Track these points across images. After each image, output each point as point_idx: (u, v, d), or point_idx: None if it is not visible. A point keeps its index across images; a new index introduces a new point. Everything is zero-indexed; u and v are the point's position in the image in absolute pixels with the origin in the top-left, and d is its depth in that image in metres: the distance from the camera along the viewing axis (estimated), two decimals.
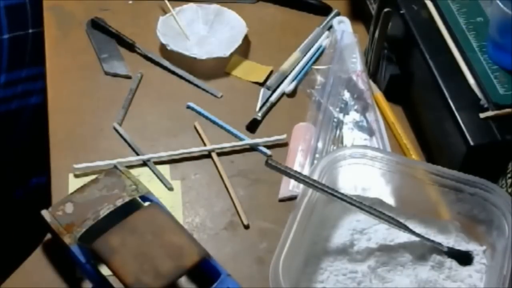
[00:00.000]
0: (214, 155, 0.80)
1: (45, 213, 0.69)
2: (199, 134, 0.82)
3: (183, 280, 0.69)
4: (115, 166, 0.73)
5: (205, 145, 0.81)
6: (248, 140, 0.81)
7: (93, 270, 0.66)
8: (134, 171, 0.76)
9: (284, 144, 0.81)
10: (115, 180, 0.71)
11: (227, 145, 0.81)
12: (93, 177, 0.73)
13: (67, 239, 0.66)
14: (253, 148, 0.81)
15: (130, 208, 0.68)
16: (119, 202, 0.69)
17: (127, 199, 0.69)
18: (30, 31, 0.99)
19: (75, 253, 0.66)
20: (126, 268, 0.62)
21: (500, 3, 0.72)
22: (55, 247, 0.69)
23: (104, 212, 0.68)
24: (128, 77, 0.89)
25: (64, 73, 0.89)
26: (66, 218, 0.68)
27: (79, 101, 0.86)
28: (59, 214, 0.68)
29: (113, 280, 0.64)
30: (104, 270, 0.66)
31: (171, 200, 0.75)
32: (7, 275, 0.70)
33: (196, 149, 0.80)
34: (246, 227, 0.74)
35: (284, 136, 0.82)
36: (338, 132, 0.83)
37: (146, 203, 0.70)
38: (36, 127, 0.92)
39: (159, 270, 0.62)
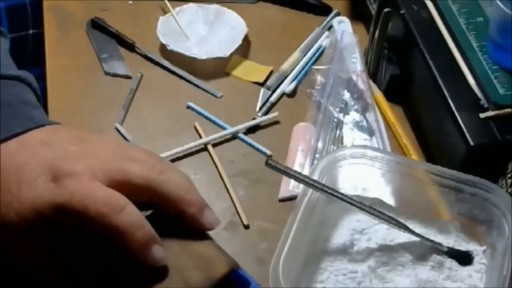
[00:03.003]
0: (211, 149, 0.80)
1: None
2: (199, 134, 0.82)
3: None
4: None
5: (205, 145, 0.81)
6: (231, 129, 0.82)
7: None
8: None
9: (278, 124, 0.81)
10: None
11: (217, 135, 0.82)
12: None
13: None
14: (253, 147, 0.81)
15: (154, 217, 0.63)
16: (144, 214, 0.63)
17: (149, 211, 0.62)
18: (31, 32, 0.99)
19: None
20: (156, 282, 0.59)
21: (500, 3, 0.72)
22: None
23: None
24: (128, 77, 0.89)
25: (64, 73, 0.89)
26: None
27: (79, 101, 0.86)
28: None
29: None
30: None
31: None
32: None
33: (192, 144, 0.80)
34: (246, 227, 0.74)
35: (276, 114, 0.83)
36: (338, 132, 0.83)
37: None
38: None
39: (189, 282, 0.59)
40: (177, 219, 0.63)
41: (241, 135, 0.82)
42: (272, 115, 0.84)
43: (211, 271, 0.60)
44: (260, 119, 0.83)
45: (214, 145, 0.81)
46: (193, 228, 0.62)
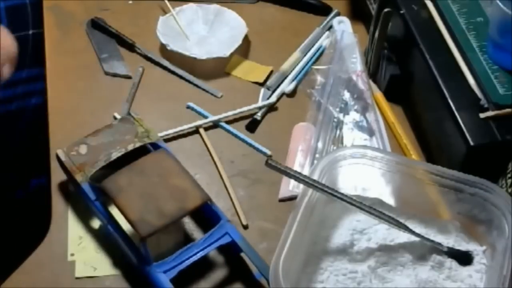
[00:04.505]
0: (203, 133, 0.80)
1: (60, 152, 0.72)
2: (200, 134, 0.82)
3: (187, 222, 0.72)
4: (129, 114, 0.76)
5: (206, 145, 0.81)
6: (212, 117, 0.84)
7: (102, 207, 0.69)
8: None
9: (282, 146, 0.82)
10: (128, 126, 0.74)
11: (205, 120, 0.83)
12: None
13: (78, 177, 0.70)
14: (253, 147, 0.81)
15: (140, 153, 0.72)
16: (130, 147, 0.72)
17: (138, 144, 0.72)
18: (31, 32, 0.99)
19: (85, 191, 0.69)
20: (132, 206, 0.65)
21: (500, 3, 0.72)
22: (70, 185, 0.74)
23: (115, 155, 0.71)
24: (128, 77, 0.89)
25: (64, 73, 0.89)
26: (79, 158, 0.71)
27: (79, 101, 0.86)
28: (73, 154, 0.72)
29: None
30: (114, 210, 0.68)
31: None
32: (7, 275, 0.70)
33: (186, 127, 0.82)
34: (245, 227, 0.74)
35: (274, 99, 0.84)
36: (338, 132, 0.83)
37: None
38: (36, 128, 0.92)
39: (163, 210, 0.65)
40: (159, 152, 0.70)
41: (241, 135, 0.82)
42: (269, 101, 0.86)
43: (184, 202, 0.66)
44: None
45: (214, 145, 0.81)
46: (173, 162, 0.68)
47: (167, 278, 0.63)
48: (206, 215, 0.69)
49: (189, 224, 0.73)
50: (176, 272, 0.64)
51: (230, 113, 0.84)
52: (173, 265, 0.64)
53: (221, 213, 0.68)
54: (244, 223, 0.74)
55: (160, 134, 0.79)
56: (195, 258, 0.65)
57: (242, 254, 0.68)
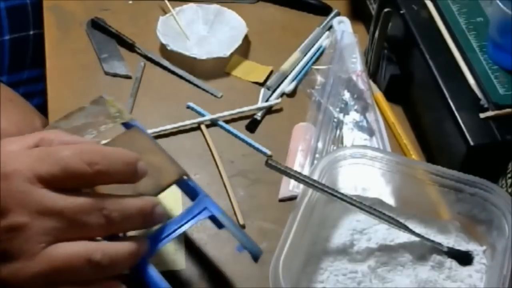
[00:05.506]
0: (204, 129, 0.80)
1: None
2: (201, 130, 0.82)
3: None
4: (101, 96, 0.73)
5: (207, 144, 0.81)
6: (210, 116, 0.84)
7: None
8: None
9: (283, 145, 0.82)
10: (100, 108, 0.71)
11: (205, 118, 0.83)
12: None
13: None
14: (253, 147, 0.81)
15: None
16: (102, 128, 0.69)
17: (110, 125, 0.69)
18: (31, 32, 0.99)
19: None
20: (106, 186, 0.61)
21: (500, 3, 0.72)
22: None
23: (88, 137, 0.68)
24: (128, 77, 0.89)
25: (64, 73, 0.89)
26: None
27: (79, 101, 0.85)
28: None
29: None
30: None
31: (171, 200, 0.75)
32: None
33: (184, 123, 0.83)
34: (243, 227, 0.74)
35: (279, 100, 0.85)
36: (338, 132, 0.83)
37: None
38: None
39: (138, 188, 0.62)
40: (132, 131, 0.68)
41: (241, 135, 0.82)
42: (275, 101, 0.86)
43: (160, 179, 0.63)
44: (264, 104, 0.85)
45: (214, 145, 0.81)
46: (147, 140, 0.67)
47: (147, 259, 0.61)
48: (184, 192, 0.67)
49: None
50: (155, 251, 0.61)
51: (230, 112, 0.84)
52: (151, 244, 0.61)
53: (199, 188, 0.66)
54: (242, 222, 0.74)
55: (161, 128, 0.80)
56: (173, 235, 0.62)
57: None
